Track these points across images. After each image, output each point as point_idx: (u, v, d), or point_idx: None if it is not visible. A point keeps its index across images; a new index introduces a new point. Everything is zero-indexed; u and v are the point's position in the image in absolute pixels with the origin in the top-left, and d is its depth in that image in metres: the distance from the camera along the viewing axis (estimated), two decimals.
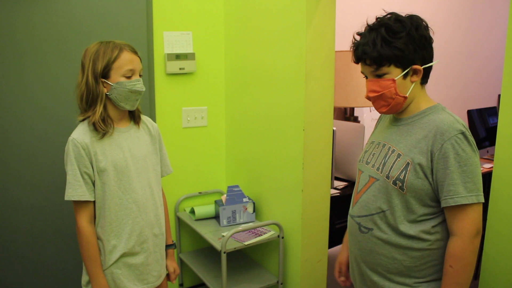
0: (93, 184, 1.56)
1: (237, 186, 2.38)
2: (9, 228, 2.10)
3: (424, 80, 1.35)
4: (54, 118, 2.11)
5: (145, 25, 2.30)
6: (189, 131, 2.54)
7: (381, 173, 1.36)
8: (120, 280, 1.61)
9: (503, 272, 1.56)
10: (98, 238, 1.60)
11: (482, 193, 1.26)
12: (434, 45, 1.34)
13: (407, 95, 1.31)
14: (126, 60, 1.52)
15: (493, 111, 3.44)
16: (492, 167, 1.61)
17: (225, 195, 2.37)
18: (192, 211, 2.48)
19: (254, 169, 2.44)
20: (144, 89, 1.59)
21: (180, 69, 2.41)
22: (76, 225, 1.56)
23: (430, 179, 1.28)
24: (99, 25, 2.16)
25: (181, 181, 2.55)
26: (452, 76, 3.86)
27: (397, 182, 1.31)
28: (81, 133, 1.54)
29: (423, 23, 1.31)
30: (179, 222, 2.56)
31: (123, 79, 1.52)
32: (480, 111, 3.32)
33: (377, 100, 1.34)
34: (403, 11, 1.35)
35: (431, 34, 1.33)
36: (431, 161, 1.27)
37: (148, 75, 2.36)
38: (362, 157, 1.49)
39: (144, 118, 1.74)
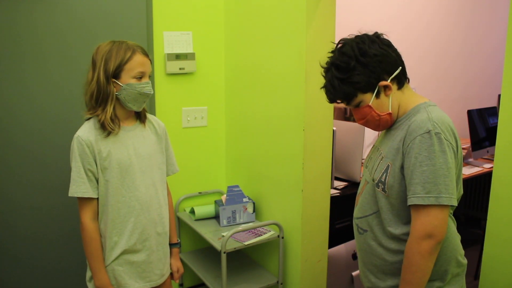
0: (97, 181, 1.58)
1: (237, 186, 2.38)
2: (9, 228, 2.10)
3: (401, 84, 1.33)
4: (54, 118, 2.11)
5: (145, 25, 2.30)
6: (189, 131, 2.54)
7: (370, 175, 1.39)
8: (121, 277, 1.62)
9: (503, 272, 1.56)
10: (101, 234, 1.61)
11: (448, 196, 1.20)
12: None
13: (390, 111, 1.32)
14: (138, 63, 1.54)
15: (493, 111, 3.43)
16: (492, 167, 1.61)
17: (225, 195, 2.37)
18: (192, 211, 2.48)
19: (254, 169, 2.44)
20: (152, 92, 1.61)
21: (180, 69, 2.41)
22: (80, 221, 1.58)
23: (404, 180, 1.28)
24: (99, 25, 2.16)
25: (181, 181, 2.55)
26: (453, 76, 3.86)
27: (380, 184, 1.33)
28: (86, 131, 1.56)
29: (366, 40, 1.29)
30: (179, 222, 2.56)
31: (133, 81, 1.54)
32: (480, 111, 3.31)
33: (367, 125, 1.39)
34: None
35: (385, 37, 1.32)
36: (403, 161, 1.27)
37: None
38: (365, 162, 1.52)
39: (151, 117, 1.75)
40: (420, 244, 1.21)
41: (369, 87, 1.29)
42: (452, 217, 1.36)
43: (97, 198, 1.60)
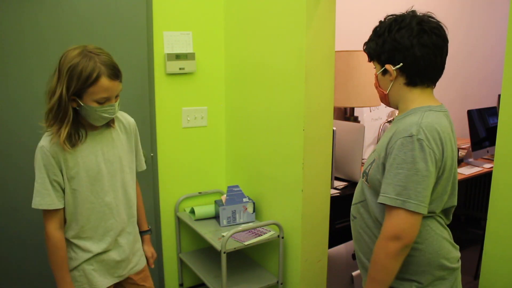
0: (63, 191, 1.53)
1: (237, 186, 2.38)
2: (8, 231, 2.10)
3: (412, 81, 1.32)
4: None
5: (145, 25, 2.30)
6: (189, 131, 2.54)
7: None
8: (92, 275, 1.60)
9: (503, 272, 1.56)
10: (70, 241, 1.58)
11: (417, 202, 1.20)
12: None
13: (386, 91, 1.38)
14: (102, 88, 1.42)
15: (493, 111, 3.43)
16: (492, 167, 1.61)
17: (225, 195, 2.37)
18: (192, 211, 2.48)
19: (254, 169, 2.44)
20: (115, 114, 1.52)
21: (180, 69, 2.41)
22: (45, 231, 1.52)
23: None
24: (99, 25, 2.16)
25: (181, 181, 2.55)
26: (453, 76, 3.85)
27: (364, 175, 1.39)
28: (50, 140, 1.48)
29: (403, 24, 1.28)
30: (179, 222, 2.56)
31: (94, 104, 1.44)
32: (480, 111, 3.32)
33: (376, 89, 1.45)
34: (402, 11, 1.36)
35: (427, 36, 1.28)
36: (385, 159, 1.29)
37: (148, 75, 2.36)
38: None
39: (120, 114, 1.67)
40: (387, 244, 1.24)
41: (379, 61, 1.36)
42: (440, 220, 1.35)
43: (63, 208, 1.55)
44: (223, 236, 2.18)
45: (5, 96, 2.03)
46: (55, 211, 1.52)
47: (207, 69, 2.52)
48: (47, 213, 1.52)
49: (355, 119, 3.01)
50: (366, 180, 1.37)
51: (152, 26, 2.31)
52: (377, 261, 1.27)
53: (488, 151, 3.29)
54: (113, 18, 2.20)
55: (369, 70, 1.44)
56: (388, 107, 1.53)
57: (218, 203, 2.40)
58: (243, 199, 2.35)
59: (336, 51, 2.12)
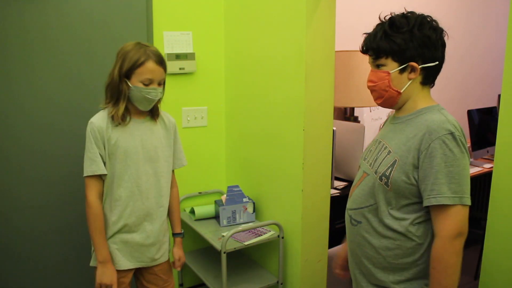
0: (105, 164, 1.71)
1: (237, 186, 2.38)
2: (11, 226, 2.10)
3: (427, 80, 1.34)
4: (62, 114, 2.13)
5: (145, 25, 2.30)
6: (189, 131, 2.54)
7: (372, 168, 1.39)
8: (115, 254, 1.74)
9: (503, 272, 1.56)
10: (104, 213, 1.73)
11: (468, 196, 1.25)
12: None
13: (401, 90, 1.33)
14: (148, 70, 1.66)
15: (493, 111, 3.44)
16: (492, 167, 1.61)
17: (225, 195, 2.37)
18: (192, 211, 2.48)
19: (254, 169, 2.44)
20: (157, 98, 1.72)
21: (180, 69, 2.41)
22: (86, 199, 1.69)
23: (415, 178, 1.28)
24: (100, 25, 2.17)
25: (181, 181, 2.52)
26: (453, 76, 3.85)
27: (383, 178, 1.33)
28: (99, 118, 1.70)
29: (432, 23, 1.31)
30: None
31: (140, 85, 1.66)
32: (480, 111, 3.32)
33: (373, 91, 1.39)
34: (402, 10, 1.36)
35: (444, 38, 1.34)
36: (418, 159, 1.27)
37: None
38: (363, 154, 1.52)
39: (163, 113, 1.87)
40: (453, 243, 1.23)
41: (401, 58, 1.30)
42: None
43: (103, 180, 1.72)
44: (223, 236, 2.18)
45: (8, 95, 2.03)
46: (97, 181, 1.70)
47: (207, 69, 2.52)
48: (90, 182, 1.70)
49: (355, 119, 3.01)
50: (386, 184, 1.32)
51: (152, 26, 2.31)
52: (448, 264, 1.23)
53: (488, 151, 3.29)
54: (113, 18, 2.20)
55: (369, 70, 1.42)
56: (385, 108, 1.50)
57: (218, 203, 2.40)
58: (243, 199, 2.35)
59: (336, 51, 2.12)
